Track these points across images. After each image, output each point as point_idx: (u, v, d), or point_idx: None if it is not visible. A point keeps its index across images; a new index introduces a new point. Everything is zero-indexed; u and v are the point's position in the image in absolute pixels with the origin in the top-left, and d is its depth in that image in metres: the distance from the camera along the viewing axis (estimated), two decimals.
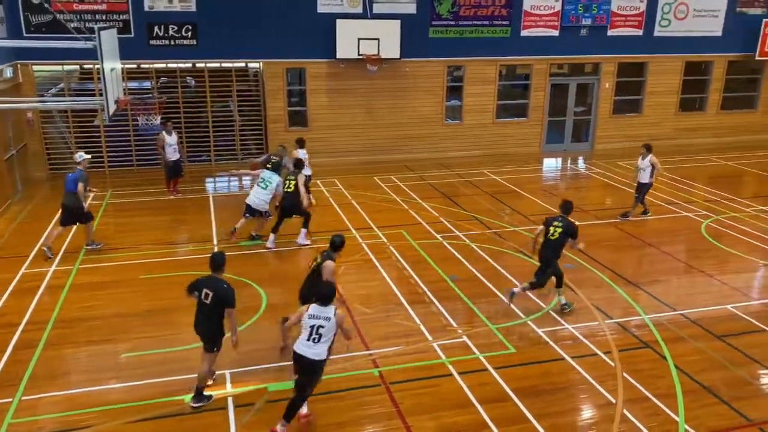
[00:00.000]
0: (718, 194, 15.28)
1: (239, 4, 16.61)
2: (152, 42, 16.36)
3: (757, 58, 20.51)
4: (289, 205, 11.51)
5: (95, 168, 17.09)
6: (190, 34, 16.52)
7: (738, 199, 14.91)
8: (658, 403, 7.03)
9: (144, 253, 11.44)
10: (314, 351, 6.30)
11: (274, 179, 11.69)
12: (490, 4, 18.18)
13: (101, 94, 9.47)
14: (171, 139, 14.45)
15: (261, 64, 17.52)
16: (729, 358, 7.99)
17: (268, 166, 12.30)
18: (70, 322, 8.93)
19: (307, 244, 11.64)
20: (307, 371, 6.39)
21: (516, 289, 9.28)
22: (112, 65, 10.13)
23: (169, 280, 10.34)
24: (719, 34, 20.26)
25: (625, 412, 6.90)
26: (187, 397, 7.09)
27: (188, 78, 17.92)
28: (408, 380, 7.51)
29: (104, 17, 15.88)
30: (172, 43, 16.51)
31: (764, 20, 20.05)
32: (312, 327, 6.28)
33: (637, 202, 13.46)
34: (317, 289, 6.62)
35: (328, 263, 7.59)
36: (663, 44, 19.91)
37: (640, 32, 19.62)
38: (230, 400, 7.13)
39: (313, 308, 6.35)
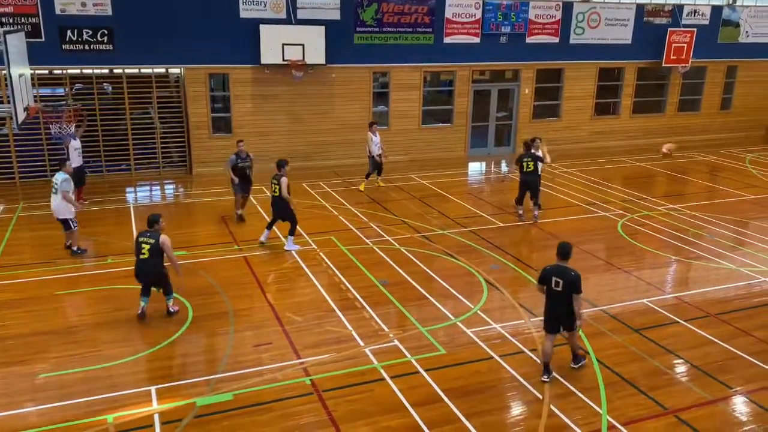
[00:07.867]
0: (632, 194, 16.06)
1: (158, 8, 16.13)
2: (65, 47, 15.65)
3: (663, 65, 21.76)
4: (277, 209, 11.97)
5: (4, 180, 16.20)
6: (106, 38, 15.90)
7: (650, 198, 15.72)
8: (582, 397, 7.30)
9: (60, 267, 10.91)
10: None
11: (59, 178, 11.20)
12: (413, 12, 18.46)
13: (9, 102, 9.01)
14: (76, 143, 13.89)
15: (182, 69, 17.07)
16: (646, 350, 8.40)
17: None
18: None
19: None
20: None
21: None
22: (20, 71, 9.65)
23: (89, 295, 9.91)
24: (629, 42, 21.38)
25: (552, 407, 7.12)
26: (110, 417, 6.80)
27: (105, 84, 17.23)
28: (341, 387, 7.47)
29: (11, 20, 15.07)
30: (87, 48, 15.84)
31: (669, 29, 21.30)
32: None
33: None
34: None
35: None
36: (578, 51, 20.80)
37: (556, 40, 20.42)
38: (156, 417, 6.89)
39: None
